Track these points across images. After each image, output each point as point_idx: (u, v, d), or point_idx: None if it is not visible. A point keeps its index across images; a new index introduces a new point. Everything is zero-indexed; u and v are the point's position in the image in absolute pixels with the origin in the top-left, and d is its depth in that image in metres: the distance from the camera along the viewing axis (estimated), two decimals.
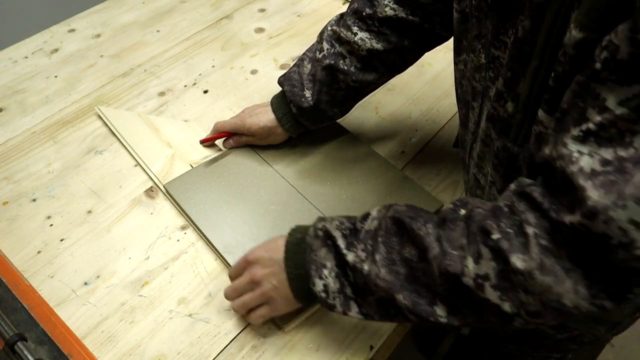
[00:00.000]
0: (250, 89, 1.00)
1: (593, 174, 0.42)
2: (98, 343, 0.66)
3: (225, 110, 0.95)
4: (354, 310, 0.58)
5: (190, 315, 0.69)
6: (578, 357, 0.91)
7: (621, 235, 0.42)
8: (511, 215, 0.48)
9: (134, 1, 1.19)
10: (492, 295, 0.48)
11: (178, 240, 0.76)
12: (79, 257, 0.74)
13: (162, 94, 0.98)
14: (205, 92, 0.99)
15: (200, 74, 1.02)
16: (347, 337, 0.67)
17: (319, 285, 0.58)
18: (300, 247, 0.60)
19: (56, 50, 1.07)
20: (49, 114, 0.94)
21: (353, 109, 0.84)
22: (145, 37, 1.10)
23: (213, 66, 1.04)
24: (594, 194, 0.42)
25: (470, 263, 0.49)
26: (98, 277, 0.72)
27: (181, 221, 0.78)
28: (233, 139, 0.86)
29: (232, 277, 0.67)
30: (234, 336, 0.67)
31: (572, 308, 0.46)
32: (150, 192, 0.82)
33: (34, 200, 0.81)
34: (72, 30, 1.11)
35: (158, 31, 1.12)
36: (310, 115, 0.80)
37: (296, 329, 0.68)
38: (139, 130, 0.90)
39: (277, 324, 0.67)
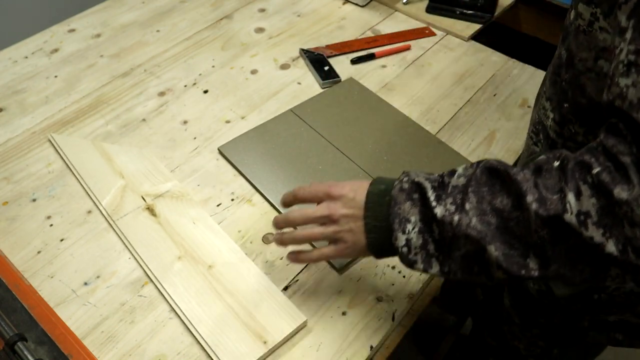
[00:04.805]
0: (250, 89, 1.00)
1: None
2: (98, 343, 0.66)
3: (225, 110, 0.95)
4: (435, 269, 0.55)
5: None
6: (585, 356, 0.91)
7: None
8: (604, 150, 0.46)
9: (133, 1, 1.19)
10: (595, 232, 0.45)
11: None
12: (79, 257, 0.74)
13: (162, 93, 0.98)
14: (206, 92, 0.99)
15: (200, 74, 1.02)
16: (347, 337, 0.67)
17: (401, 240, 0.56)
18: (382, 199, 0.58)
19: (56, 50, 1.06)
20: (48, 114, 0.94)
21: None
22: (145, 37, 1.10)
23: (213, 66, 1.04)
24: None
25: (571, 199, 0.46)
26: (98, 277, 0.72)
27: None
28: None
29: (303, 198, 0.64)
30: None
31: None
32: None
33: (34, 200, 0.81)
34: (72, 30, 1.11)
35: (158, 31, 1.12)
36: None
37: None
38: (92, 160, 0.85)
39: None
